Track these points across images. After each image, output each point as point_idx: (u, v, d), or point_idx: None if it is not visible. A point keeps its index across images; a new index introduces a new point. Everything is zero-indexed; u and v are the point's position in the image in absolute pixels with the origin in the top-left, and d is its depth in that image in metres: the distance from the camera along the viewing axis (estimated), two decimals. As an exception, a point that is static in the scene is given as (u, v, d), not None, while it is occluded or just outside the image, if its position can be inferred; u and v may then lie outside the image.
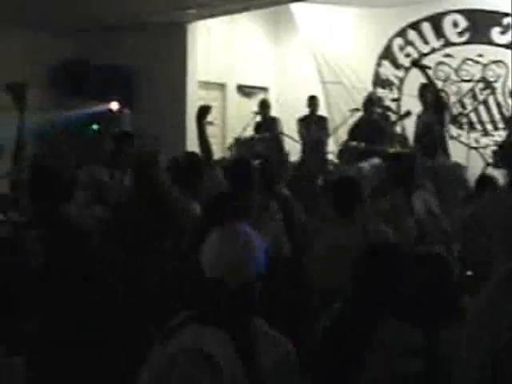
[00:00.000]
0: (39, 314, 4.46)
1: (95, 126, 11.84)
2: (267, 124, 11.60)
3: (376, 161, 9.66)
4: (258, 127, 11.55)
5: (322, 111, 12.25)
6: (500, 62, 11.88)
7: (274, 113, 12.32)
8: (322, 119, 11.75)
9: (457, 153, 10.95)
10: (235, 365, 2.61)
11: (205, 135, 6.29)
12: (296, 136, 11.77)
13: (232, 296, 2.75)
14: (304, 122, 11.61)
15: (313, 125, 11.48)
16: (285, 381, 2.69)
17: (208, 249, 2.83)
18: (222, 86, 13.86)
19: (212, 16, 12.54)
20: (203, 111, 6.47)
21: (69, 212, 4.71)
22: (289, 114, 12.46)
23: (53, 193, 4.61)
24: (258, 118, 11.89)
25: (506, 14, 11.62)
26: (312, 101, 11.73)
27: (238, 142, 11.26)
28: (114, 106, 12.05)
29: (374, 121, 10.78)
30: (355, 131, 10.79)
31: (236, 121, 13.01)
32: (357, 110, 11.07)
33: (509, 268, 2.69)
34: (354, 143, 10.47)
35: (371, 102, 10.97)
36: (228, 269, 2.75)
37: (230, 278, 2.75)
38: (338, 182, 5.82)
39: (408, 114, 10.66)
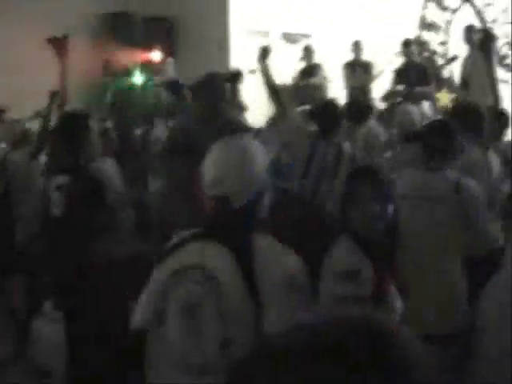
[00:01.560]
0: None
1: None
2: (311, 70, 11.52)
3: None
4: (303, 73, 11.49)
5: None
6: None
7: (318, 60, 12.26)
8: (368, 64, 11.63)
9: (504, 97, 10.84)
10: (237, 282, 2.54)
11: (269, 76, 6.21)
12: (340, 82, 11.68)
13: (235, 213, 2.69)
14: (349, 67, 11.60)
15: (358, 69, 11.46)
16: (283, 302, 2.54)
17: (209, 164, 2.75)
18: (266, 34, 13.78)
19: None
20: (264, 53, 6.39)
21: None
22: (334, 60, 12.27)
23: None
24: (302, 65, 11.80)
25: None
26: (357, 46, 11.69)
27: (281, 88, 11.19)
28: (156, 56, 12.12)
29: (417, 64, 10.73)
30: (399, 75, 10.72)
31: (281, 68, 12.94)
32: (401, 53, 10.94)
33: None
34: (399, 87, 10.40)
35: (407, 45, 10.85)
36: (230, 183, 2.67)
37: (231, 193, 2.67)
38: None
39: (455, 58, 10.55)
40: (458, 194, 4.37)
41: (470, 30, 10.02)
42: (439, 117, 7.72)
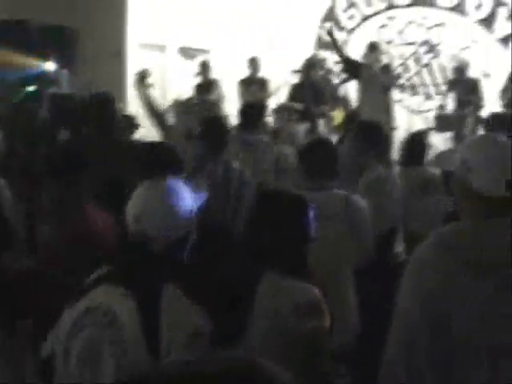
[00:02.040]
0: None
1: (31, 88, 11.54)
2: (208, 86, 11.42)
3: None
4: (198, 89, 11.37)
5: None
6: (444, 24, 11.98)
7: (215, 75, 12.19)
8: (264, 81, 11.62)
9: (399, 116, 10.97)
10: (139, 332, 2.53)
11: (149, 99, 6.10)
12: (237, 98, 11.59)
13: (152, 257, 2.67)
14: (245, 84, 11.54)
15: (254, 86, 11.39)
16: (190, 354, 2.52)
17: (132, 201, 2.74)
18: (162, 48, 13.68)
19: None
20: (141, 77, 6.31)
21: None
22: (231, 76, 12.18)
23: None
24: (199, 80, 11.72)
25: None
26: (253, 62, 11.64)
27: (177, 104, 11.06)
28: (50, 66, 11.83)
29: (313, 83, 10.76)
30: (295, 92, 10.78)
31: (178, 83, 12.84)
32: (298, 71, 11.07)
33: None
34: (292, 104, 10.42)
35: (310, 64, 10.96)
36: (148, 221, 2.66)
37: (149, 231, 2.66)
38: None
39: (350, 77, 10.58)
40: (346, 209, 4.43)
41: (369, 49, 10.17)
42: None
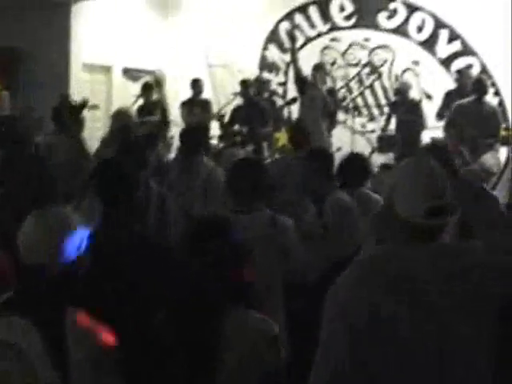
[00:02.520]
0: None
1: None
2: (150, 107, 11.36)
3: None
4: (140, 111, 11.31)
5: (207, 94, 12.18)
6: (386, 46, 12.09)
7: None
8: (206, 103, 11.64)
9: (342, 137, 11.20)
10: (46, 359, 2.54)
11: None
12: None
13: (47, 283, 2.69)
14: (187, 106, 11.54)
15: (196, 108, 11.40)
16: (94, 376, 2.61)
17: (21, 232, 2.76)
18: (107, 69, 13.64)
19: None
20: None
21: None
22: (178, 97, 12.27)
23: None
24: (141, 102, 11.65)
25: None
26: (195, 84, 11.63)
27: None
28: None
29: (256, 104, 10.82)
30: (236, 115, 10.86)
31: (122, 105, 12.77)
32: (237, 94, 11.12)
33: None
34: (235, 127, 10.58)
35: (247, 85, 11.02)
36: (35, 251, 2.70)
37: (40, 259, 2.69)
38: None
39: (294, 99, 10.64)
40: (272, 230, 4.42)
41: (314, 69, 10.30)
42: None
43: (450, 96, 10.27)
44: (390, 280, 2.46)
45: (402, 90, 10.78)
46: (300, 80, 10.09)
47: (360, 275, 2.52)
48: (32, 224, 2.76)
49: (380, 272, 2.49)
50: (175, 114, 11.57)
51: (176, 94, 12.26)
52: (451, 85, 11.11)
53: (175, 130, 11.40)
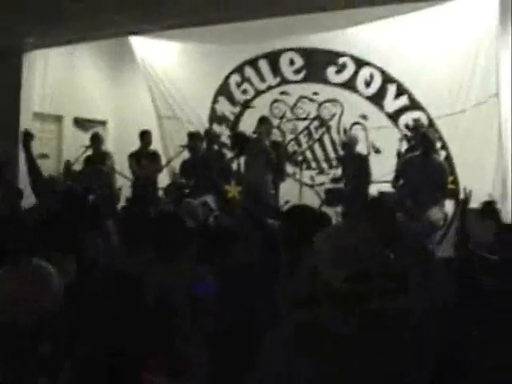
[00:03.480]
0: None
1: None
2: (98, 158, 11.36)
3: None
4: (88, 161, 11.30)
5: (156, 146, 12.25)
6: (335, 100, 12.16)
7: (111, 147, 12.14)
8: (155, 155, 11.68)
9: (291, 190, 11.28)
10: None
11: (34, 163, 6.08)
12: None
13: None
14: (135, 158, 11.57)
15: (144, 160, 11.44)
16: None
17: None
18: (58, 118, 13.63)
19: (49, 46, 12.44)
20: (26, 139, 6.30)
21: None
22: (127, 148, 12.30)
23: None
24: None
25: (342, 54, 11.92)
26: (144, 136, 11.69)
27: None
28: None
29: (205, 157, 10.95)
30: (186, 168, 10.95)
31: (73, 155, 12.76)
32: (186, 146, 11.19)
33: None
34: (182, 180, 10.63)
35: (195, 138, 11.17)
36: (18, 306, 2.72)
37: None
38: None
39: (241, 153, 10.68)
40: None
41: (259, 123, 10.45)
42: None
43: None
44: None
45: (349, 144, 10.89)
46: (238, 140, 10.17)
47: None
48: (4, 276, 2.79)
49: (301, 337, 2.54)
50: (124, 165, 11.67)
51: (124, 145, 12.29)
52: (399, 139, 11.16)
53: (123, 182, 11.51)
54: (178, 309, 3.81)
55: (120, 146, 12.95)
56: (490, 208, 8.46)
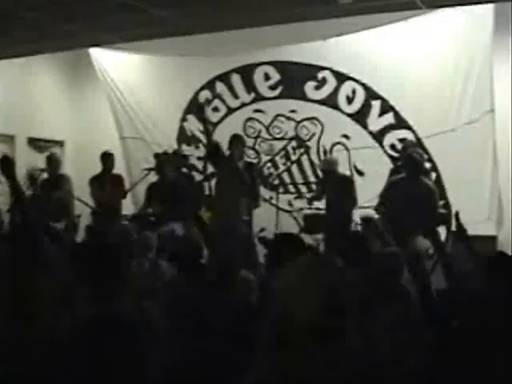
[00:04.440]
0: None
1: None
2: (54, 182, 10.83)
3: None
4: (44, 186, 10.75)
5: (120, 169, 11.84)
6: (314, 118, 11.78)
7: (69, 170, 11.86)
8: (118, 179, 11.20)
9: (266, 216, 10.95)
10: None
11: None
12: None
13: None
14: (96, 182, 11.07)
15: (107, 185, 10.96)
16: None
17: None
18: (10, 138, 13.18)
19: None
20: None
21: None
22: (87, 171, 11.87)
23: None
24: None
25: (322, 68, 11.55)
26: (106, 158, 11.17)
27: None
28: None
29: (172, 181, 10.56)
30: (152, 193, 10.57)
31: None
32: (151, 169, 10.88)
33: None
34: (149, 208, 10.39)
35: (162, 160, 10.80)
36: None
37: None
38: None
39: (213, 174, 10.56)
40: None
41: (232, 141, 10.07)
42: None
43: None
44: None
45: (327, 168, 10.50)
46: (216, 153, 9.76)
47: None
48: None
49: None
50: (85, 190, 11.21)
51: (84, 168, 11.94)
52: (384, 160, 10.94)
53: (82, 209, 11.03)
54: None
55: (79, 169, 12.58)
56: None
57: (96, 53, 12.76)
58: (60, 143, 14.05)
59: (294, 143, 12.00)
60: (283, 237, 6.23)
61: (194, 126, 12.58)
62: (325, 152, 11.66)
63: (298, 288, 2.59)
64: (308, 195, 11.68)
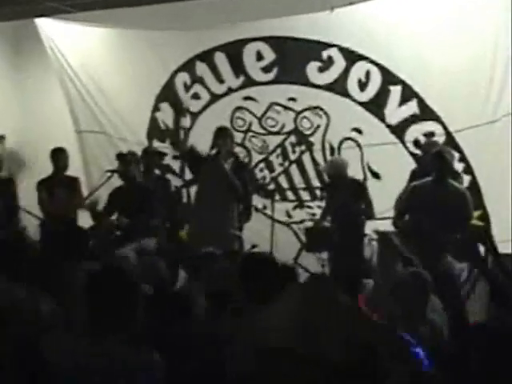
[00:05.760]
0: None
1: None
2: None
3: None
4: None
5: (76, 171, 11.67)
6: (318, 108, 11.65)
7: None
8: (73, 182, 11.04)
9: (259, 230, 10.97)
10: None
11: None
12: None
13: None
14: (46, 186, 10.89)
15: (58, 189, 10.81)
16: None
17: None
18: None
19: None
20: None
21: None
22: (34, 173, 12.00)
23: None
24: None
25: (328, 45, 11.43)
26: (57, 156, 11.01)
27: None
28: None
29: (140, 185, 10.41)
30: (115, 200, 10.35)
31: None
32: (115, 171, 10.68)
33: None
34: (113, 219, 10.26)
35: (128, 160, 10.59)
36: None
37: None
38: None
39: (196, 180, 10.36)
40: None
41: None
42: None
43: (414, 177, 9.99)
44: None
45: (334, 173, 10.40)
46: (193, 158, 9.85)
47: None
48: None
49: None
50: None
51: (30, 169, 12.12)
52: (405, 160, 10.82)
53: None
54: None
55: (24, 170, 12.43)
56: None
57: (44, 23, 12.74)
58: (1, 137, 13.87)
59: (292, 139, 11.92)
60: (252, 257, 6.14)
61: (168, 117, 12.56)
62: (331, 150, 11.58)
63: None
64: (311, 204, 11.67)
